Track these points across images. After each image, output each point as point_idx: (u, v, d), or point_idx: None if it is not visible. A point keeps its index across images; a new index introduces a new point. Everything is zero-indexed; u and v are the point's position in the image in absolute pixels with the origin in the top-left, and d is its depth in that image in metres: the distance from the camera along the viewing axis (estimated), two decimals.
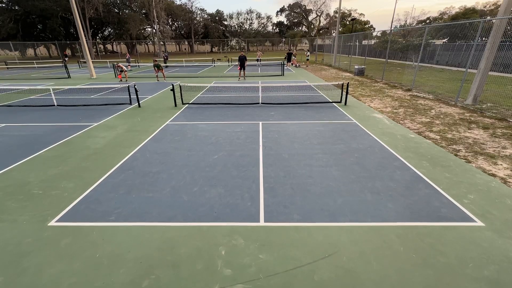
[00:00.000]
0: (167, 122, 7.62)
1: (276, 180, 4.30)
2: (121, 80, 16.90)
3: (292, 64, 24.66)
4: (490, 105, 8.90)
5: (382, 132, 6.58)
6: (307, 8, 62.19)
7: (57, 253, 2.86)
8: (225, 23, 71.37)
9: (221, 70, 23.18)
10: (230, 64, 29.01)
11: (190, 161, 5.05)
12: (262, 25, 73.54)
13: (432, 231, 3.10)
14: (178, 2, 60.68)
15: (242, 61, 15.66)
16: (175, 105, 9.55)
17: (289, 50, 27.59)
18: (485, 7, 45.13)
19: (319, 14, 62.54)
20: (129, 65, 26.62)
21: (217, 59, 35.92)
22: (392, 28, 34.57)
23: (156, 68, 16.44)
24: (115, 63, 17.60)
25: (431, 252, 2.78)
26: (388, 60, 17.68)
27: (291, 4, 63.76)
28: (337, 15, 34.62)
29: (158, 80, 16.66)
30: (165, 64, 27.42)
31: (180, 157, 5.25)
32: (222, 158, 5.15)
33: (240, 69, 15.96)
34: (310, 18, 64.50)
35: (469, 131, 6.57)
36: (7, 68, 27.14)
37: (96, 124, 7.60)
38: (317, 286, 2.43)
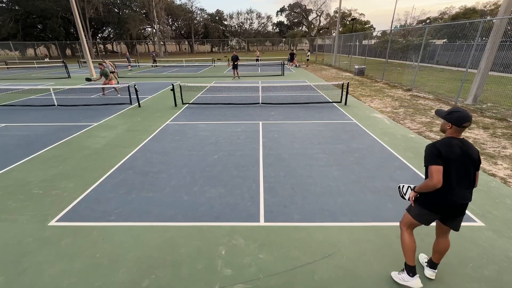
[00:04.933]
0: (167, 122, 7.62)
1: (276, 180, 4.30)
2: (104, 94, 11.74)
3: (292, 64, 24.66)
4: (490, 105, 8.89)
5: (382, 132, 6.57)
6: (307, 8, 62.16)
7: (57, 253, 2.86)
8: (225, 23, 71.38)
9: (221, 70, 23.17)
10: (230, 64, 28.97)
11: (190, 161, 5.05)
12: (262, 25, 73.62)
13: (432, 231, 3.08)
14: (178, 2, 60.77)
15: (234, 60, 15.97)
16: (175, 105, 9.55)
17: (292, 51, 27.72)
18: (485, 7, 45.13)
19: (319, 14, 62.55)
20: (129, 65, 26.62)
21: (217, 59, 35.89)
22: (392, 28, 34.55)
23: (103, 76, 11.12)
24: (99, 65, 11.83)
25: (431, 252, 2.77)
26: (388, 60, 17.67)
27: (291, 4, 63.76)
28: (337, 15, 34.60)
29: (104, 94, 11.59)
30: (154, 64, 27.67)
31: (180, 157, 5.25)
32: (222, 158, 5.15)
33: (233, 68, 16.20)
34: (310, 18, 64.50)
35: (469, 131, 6.56)
36: (7, 68, 27.13)
37: (96, 124, 7.60)
38: (317, 286, 2.43)
